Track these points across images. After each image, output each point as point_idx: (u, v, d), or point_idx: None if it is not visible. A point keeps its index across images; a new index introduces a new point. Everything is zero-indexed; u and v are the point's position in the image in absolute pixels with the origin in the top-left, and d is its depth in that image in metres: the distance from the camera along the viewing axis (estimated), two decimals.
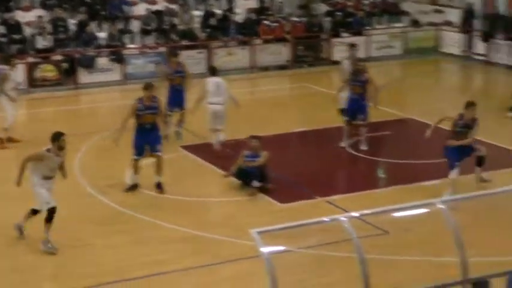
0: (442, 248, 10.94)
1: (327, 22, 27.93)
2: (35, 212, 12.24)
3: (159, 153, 14.47)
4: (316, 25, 27.17)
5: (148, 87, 14.53)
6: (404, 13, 29.43)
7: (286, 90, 24.59)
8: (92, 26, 25.38)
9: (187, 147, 17.25)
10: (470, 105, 13.88)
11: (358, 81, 16.66)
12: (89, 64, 24.42)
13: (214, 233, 12.29)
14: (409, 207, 9.21)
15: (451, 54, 27.58)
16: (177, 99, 17.61)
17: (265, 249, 7.19)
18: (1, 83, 17.36)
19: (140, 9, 26.75)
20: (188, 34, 25.88)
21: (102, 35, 25.52)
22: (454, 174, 13.63)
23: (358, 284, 6.97)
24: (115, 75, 24.63)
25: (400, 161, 16.20)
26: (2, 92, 17.41)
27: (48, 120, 20.44)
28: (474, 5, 27.31)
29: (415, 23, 28.93)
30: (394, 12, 29.36)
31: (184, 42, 25.57)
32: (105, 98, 23.31)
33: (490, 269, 8.47)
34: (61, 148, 11.90)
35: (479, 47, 26.53)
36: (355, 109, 16.58)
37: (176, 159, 16.41)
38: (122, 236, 12.52)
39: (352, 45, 18.36)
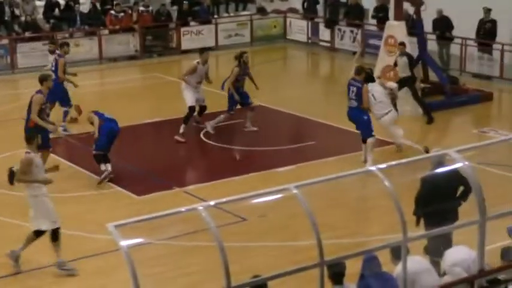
0: (299, 232, 11.24)
1: (174, 11, 27.84)
2: (39, 233, 11.05)
3: None
4: (164, 14, 27.02)
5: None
6: (251, 1, 29.75)
7: (136, 80, 24.31)
8: None
9: None
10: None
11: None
12: None
13: (71, 229, 12.03)
14: (264, 194, 9.36)
15: (298, 41, 28.12)
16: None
17: (124, 243, 7.12)
18: None
19: None
20: (31, 25, 25.12)
21: None
22: None
23: (219, 272, 7.04)
24: None
25: (253, 148, 16.44)
26: None
27: None
28: None
29: (262, 11, 29.30)
30: (240, 1, 29.62)
31: (28, 34, 24.81)
32: None
33: (345, 251, 8.78)
34: None
35: (324, 34, 27.18)
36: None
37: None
38: None
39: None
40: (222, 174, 14.81)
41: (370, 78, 15.44)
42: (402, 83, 17.83)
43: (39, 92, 14.09)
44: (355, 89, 15.10)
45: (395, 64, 18.45)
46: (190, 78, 16.90)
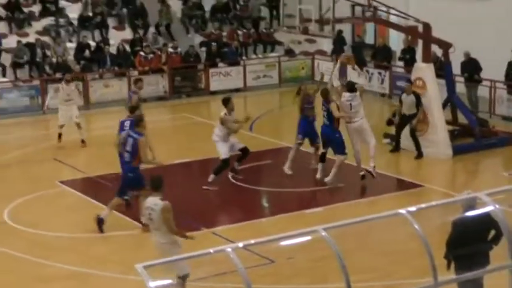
0: (328, 275, 11.17)
1: (202, 53, 28.11)
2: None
3: None
4: (193, 55, 27.28)
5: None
6: (278, 43, 29.96)
7: (165, 121, 24.46)
8: None
9: (65, 182, 16.92)
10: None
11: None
12: None
13: (100, 270, 12.06)
14: (292, 236, 9.33)
15: (326, 83, 27.97)
16: None
17: (153, 284, 7.14)
18: None
19: (11, 41, 26.15)
20: (62, 66, 25.42)
21: None
22: None
23: None
24: None
25: (281, 190, 16.41)
26: None
27: None
28: (344, 34, 28.05)
29: (290, 52, 29.48)
30: (268, 42, 29.86)
31: (59, 75, 25.08)
32: None
33: None
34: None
35: (353, 75, 27.13)
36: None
37: (54, 194, 16.06)
38: (3, 276, 12.11)
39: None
40: (251, 216, 14.80)
41: (351, 89, 16.83)
42: (405, 120, 18.56)
43: (139, 134, 13.98)
44: (325, 112, 16.37)
45: (401, 101, 18.81)
46: (219, 131, 16.47)
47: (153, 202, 10.68)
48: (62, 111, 20.06)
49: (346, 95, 16.73)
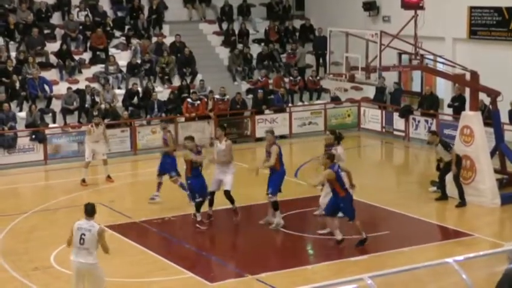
0: None
1: (249, 100, 28.29)
2: None
3: None
4: (239, 102, 27.47)
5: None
6: (325, 90, 30.03)
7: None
8: (11, 105, 25.04)
9: (111, 227, 17.02)
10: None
11: None
12: (9, 144, 24.03)
13: None
14: (337, 284, 9.23)
15: (372, 130, 28.12)
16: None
17: None
18: None
19: (62, 88, 26.61)
20: (111, 113, 25.79)
21: (23, 114, 25.25)
22: None
23: None
24: (36, 155, 24.24)
25: (327, 237, 16.30)
26: None
27: None
28: (390, 82, 28.03)
29: (336, 100, 29.53)
30: (314, 90, 29.95)
31: (107, 121, 25.41)
32: (27, 178, 22.88)
33: None
34: None
35: (398, 123, 27.15)
36: None
37: None
38: None
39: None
40: (295, 263, 14.69)
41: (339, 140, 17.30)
42: (446, 167, 18.49)
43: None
44: None
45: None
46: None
47: (88, 225, 11.58)
48: (88, 148, 21.22)
49: None
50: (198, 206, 16.96)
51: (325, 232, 16.17)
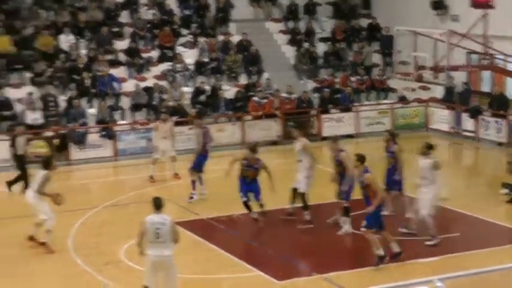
0: None
1: (315, 99, 28.23)
2: None
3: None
4: (306, 101, 27.44)
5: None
6: (392, 90, 29.79)
7: (277, 165, 24.51)
8: (81, 102, 25.53)
9: (179, 223, 17.14)
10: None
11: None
12: (80, 140, 24.49)
13: None
14: (407, 285, 9.16)
15: (440, 131, 27.80)
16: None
17: None
18: None
19: (130, 85, 26.96)
20: (178, 110, 26.01)
21: (92, 111, 25.66)
22: None
23: None
24: (106, 151, 24.70)
25: (396, 238, 16.13)
26: None
27: None
28: (459, 81, 27.67)
29: (403, 99, 29.25)
30: (381, 89, 29.73)
31: (175, 119, 25.64)
32: (97, 174, 23.29)
33: None
34: None
35: (468, 123, 26.77)
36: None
37: None
38: None
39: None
40: (363, 262, 14.61)
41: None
42: None
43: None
44: None
45: None
46: None
47: (160, 218, 11.82)
48: (159, 146, 21.40)
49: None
50: (245, 206, 16.96)
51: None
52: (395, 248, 14.38)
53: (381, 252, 14.16)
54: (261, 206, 17.06)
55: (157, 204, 11.95)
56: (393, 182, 16.94)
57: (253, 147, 17.14)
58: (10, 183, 20.46)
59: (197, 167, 19.21)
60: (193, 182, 19.14)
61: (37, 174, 15.66)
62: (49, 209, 15.43)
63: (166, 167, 22.07)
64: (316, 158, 17.12)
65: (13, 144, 20.78)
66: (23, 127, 22.10)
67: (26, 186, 20.06)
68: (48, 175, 15.42)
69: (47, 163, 15.77)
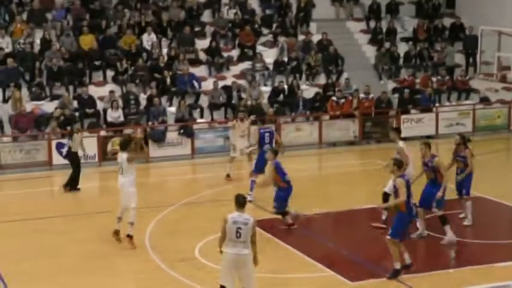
0: None
1: (394, 99, 27.94)
2: None
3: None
4: (385, 101, 27.17)
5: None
6: (474, 90, 29.23)
7: (354, 166, 24.48)
8: (161, 100, 25.85)
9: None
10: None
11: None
12: (159, 138, 24.78)
13: None
14: None
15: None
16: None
17: None
18: None
19: (209, 84, 27.17)
20: (256, 109, 26.09)
21: (172, 109, 25.96)
22: None
23: None
24: (185, 150, 24.92)
25: (470, 241, 15.90)
26: None
27: (116, 192, 20.60)
28: None
29: (485, 100, 28.65)
30: (463, 90, 29.19)
31: (253, 117, 25.69)
32: (175, 171, 23.58)
33: None
34: None
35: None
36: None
37: None
38: None
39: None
40: (436, 265, 14.42)
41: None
42: None
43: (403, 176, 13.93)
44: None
45: None
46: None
47: (243, 218, 11.61)
48: (237, 145, 21.35)
49: None
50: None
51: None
52: (408, 260, 13.94)
53: (397, 265, 13.80)
54: None
55: (240, 202, 11.76)
56: (462, 185, 16.59)
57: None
58: (66, 185, 20.62)
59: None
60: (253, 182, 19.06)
61: (120, 159, 15.71)
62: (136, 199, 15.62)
63: (243, 166, 22.18)
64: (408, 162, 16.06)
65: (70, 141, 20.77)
66: (79, 125, 22.54)
67: (77, 183, 20.63)
68: (129, 157, 15.55)
69: (123, 144, 15.89)
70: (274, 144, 19.08)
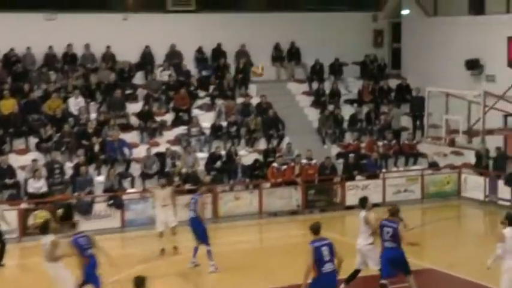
0: None
1: (339, 164, 26.75)
2: None
3: None
4: (329, 167, 25.96)
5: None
6: (422, 155, 28.28)
7: (297, 237, 23.09)
8: (89, 170, 24.40)
9: None
10: None
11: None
12: (86, 210, 23.21)
13: None
14: None
15: (473, 199, 26.25)
16: None
17: None
18: None
19: (141, 151, 25.73)
20: (191, 177, 24.66)
21: (101, 178, 24.46)
22: None
23: None
24: (114, 222, 23.44)
25: None
26: None
27: (39, 270, 18.79)
28: (492, 146, 26.16)
29: (434, 166, 27.69)
30: (411, 154, 28.21)
31: (188, 186, 24.25)
32: (103, 246, 21.78)
33: None
34: None
35: (504, 191, 25.14)
36: None
37: None
38: None
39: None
40: None
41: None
42: None
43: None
44: (390, 230, 15.27)
45: None
46: None
47: None
48: (159, 217, 20.06)
49: None
50: None
51: None
52: None
53: None
54: None
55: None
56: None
57: None
58: None
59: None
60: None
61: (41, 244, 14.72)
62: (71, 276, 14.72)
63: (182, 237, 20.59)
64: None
65: None
66: None
67: (1, 259, 19.61)
68: (53, 241, 14.57)
69: (43, 228, 14.96)
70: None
